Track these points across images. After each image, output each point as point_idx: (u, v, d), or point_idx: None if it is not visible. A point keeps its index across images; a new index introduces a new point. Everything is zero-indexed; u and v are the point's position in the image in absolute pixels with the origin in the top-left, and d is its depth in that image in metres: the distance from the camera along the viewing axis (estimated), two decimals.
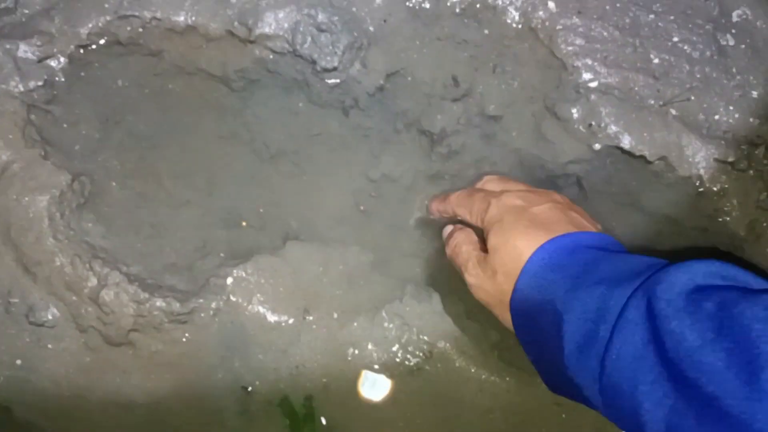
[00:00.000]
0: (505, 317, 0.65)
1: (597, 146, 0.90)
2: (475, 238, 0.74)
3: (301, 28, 0.88)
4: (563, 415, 0.77)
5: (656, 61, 0.94)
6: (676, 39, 0.95)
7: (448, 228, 0.80)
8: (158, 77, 0.93)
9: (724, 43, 0.95)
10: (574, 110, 0.90)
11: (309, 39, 0.88)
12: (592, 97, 0.90)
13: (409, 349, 0.79)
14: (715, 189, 0.88)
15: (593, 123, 0.90)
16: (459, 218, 0.78)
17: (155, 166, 0.91)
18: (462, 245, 0.72)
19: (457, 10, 0.94)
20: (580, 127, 0.90)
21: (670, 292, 0.48)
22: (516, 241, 0.63)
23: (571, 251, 0.60)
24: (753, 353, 0.39)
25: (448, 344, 0.79)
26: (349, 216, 0.90)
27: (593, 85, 0.91)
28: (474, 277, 0.68)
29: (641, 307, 0.49)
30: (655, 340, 0.47)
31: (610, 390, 0.51)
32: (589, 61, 0.92)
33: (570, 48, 0.93)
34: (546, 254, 0.60)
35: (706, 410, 0.41)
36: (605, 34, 0.94)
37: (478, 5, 0.93)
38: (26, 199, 0.76)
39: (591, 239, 0.62)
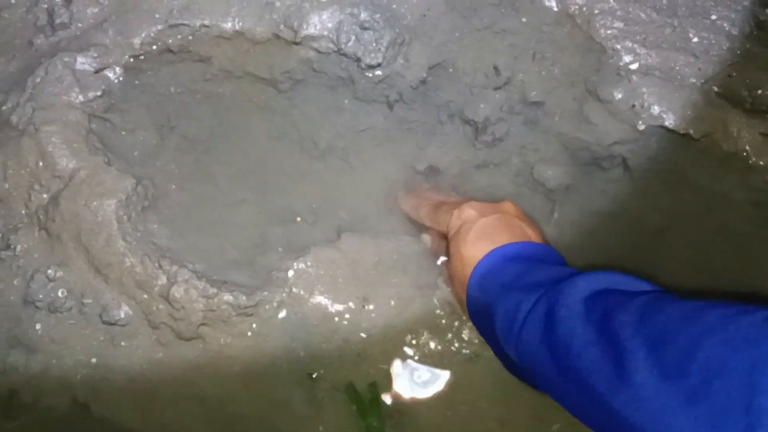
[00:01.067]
0: (464, 312, 0.78)
1: (641, 126, 0.91)
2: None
3: (345, 28, 0.91)
4: None
5: (695, 39, 0.95)
6: (714, 17, 0.96)
7: (427, 235, 0.89)
8: (208, 82, 0.97)
9: (764, 18, 0.95)
10: (616, 92, 0.91)
11: (353, 37, 0.91)
12: (634, 78, 0.92)
13: (463, 336, 0.81)
14: (762, 163, 0.88)
15: (636, 104, 0.91)
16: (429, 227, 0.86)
17: (210, 168, 0.94)
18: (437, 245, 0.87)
19: (495, 1, 0.96)
20: (623, 109, 0.91)
21: (569, 299, 0.57)
22: (464, 251, 0.73)
23: (507, 261, 0.70)
24: (619, 349, 0.49)
25: None
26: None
27: (634, 66, 0.93)
28: (445, 279, 0.83)
29: (541, 312, 0.60)
30: (548, 339, 0.58)
31: (525, 372, 0.66)
32: (629, 44, 0.93)
33: (608, 31, 0.94)
34: (485, 265, 0.71)
35: (584, 392, 0.52)
36: (643, 15, 0.95)
37: None
38: (95, 204, 0.80)
39: (524, 249, 0.71)
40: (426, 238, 0.88)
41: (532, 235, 0.75)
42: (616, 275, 0.59)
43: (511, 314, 0.64)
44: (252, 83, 0.97)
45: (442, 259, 0.86)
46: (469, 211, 0.77)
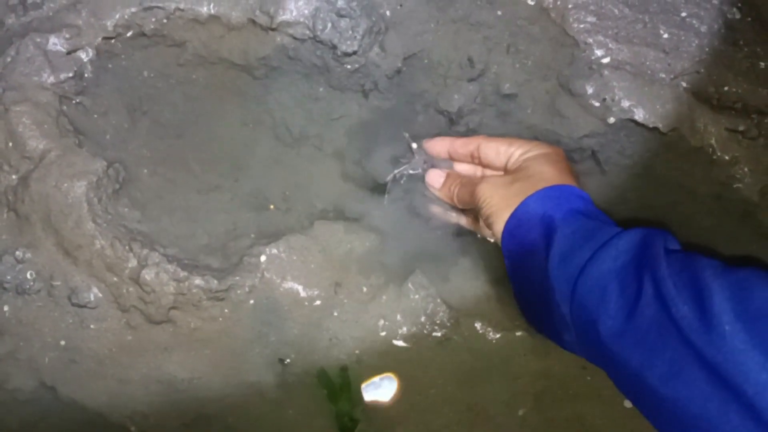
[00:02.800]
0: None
1: (611, 120, 0.92)
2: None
3: (321, 14, 0.91)
4: (588, 378, 0.80)
5: (666, 36, 0.96)
6: (684, 14, 0.98)
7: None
8: (182, 67, 0.96)
9: (731, 16, 0.98)
10: (587, 86, 0.93)
11: (329, 24, 0.91)
12: (605, 72, 0.93)
13: (436, 319, 0.81)
14: (726, 158, 0.90)
15: (607, 97, 0.92)
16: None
17: (183, 154, 0.94)
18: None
19: None
20: (594, 102, 0.93)
21: (658, 246, 0.57)
22: (500, 186, 0.74)
23: (575, 196, 0.70)
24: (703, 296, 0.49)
25: (473, 314, 0.81)
26: (372, 196, 0.93)
27: (606, 61, 0.94)
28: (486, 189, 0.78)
29: (633, 243, 0.59)
30: (637, 272, 0.56)
31: (579, 297, 0.61)
32: (601, 38, 0.95)
33: (582, 25, 0.96)
34: (556, 191, 0.70)
35: (667, 333, 0.52)
36: (615, 11, 0.97)
37: None
38: (65, 185, 0.79)
39: (563, 193, 0.71)
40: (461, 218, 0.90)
41: (572, 176, 0.77)
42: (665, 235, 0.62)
43: (582, 235, 0.63)
44: (226, 69, 0.97)
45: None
46: (508, 149, 0.82)
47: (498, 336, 0.81)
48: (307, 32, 0.92)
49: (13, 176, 0.82)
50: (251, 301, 0.81)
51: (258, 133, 0.97)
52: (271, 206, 0.92)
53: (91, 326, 0.79)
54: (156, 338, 0.79)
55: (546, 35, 0.98)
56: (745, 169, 0.89)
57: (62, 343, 0.79)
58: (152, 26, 0.92)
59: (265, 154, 0.97)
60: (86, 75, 0.90)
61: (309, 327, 0.81)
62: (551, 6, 0.97)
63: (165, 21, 0.92)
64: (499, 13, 0.98)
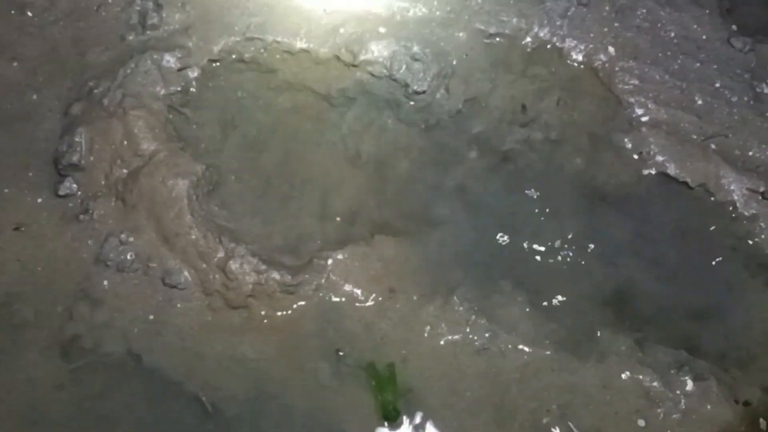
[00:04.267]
0: None
1: (646, 171, 1.04)
2: None
3: (399, 57, 1.05)
4: (608, 397, 0.90)
5: (700, 102, 1.09)
6: (718, 84, 1.10)
7: None
8: (271, 91, 1.10)
9: (760, 90, 1.10)
10: (627, 140, 1.05)
11: (404, 66, 1.05)
12: (643, 129, 1.05)
13: (476, 330, 0.92)
14: (746, 214, 1.01)
15: (643, 151, 1.04)
16: None
17: (265, 166, 1.07)
18: None
19: (529, 50, 1.10)
20: (633, 155, 1.05)
21: None
22: None
23: None
24: None
25: (510, 329, 0.92)
26: (427, 218, 1.05)
27: (645, 119, 1.06)
28: None
29: None
30: None
31: None
32: (642, 99, 1.07)
33: (626, 87, 1.08)
34: None
35: None
36: (657, 76, 1.09)
37: (548, 46, 1.09)
38: (170, 182, 0.92)
39: None
40: None
41: None
42: None
43: None
44: (309, 96, 1.11)
45: None
46: None
47: (530, 350, 0.91)
48: (384, 71, 1.05)
49: (124, 170, 0.95)
50: (316, 298, 0.92)
51: (330, 154, 1.10)
52: (338, 218, 1.04)
53: (178, 305, 0.91)
54: (232, 321, 0.91)
55: (592, 92, 1.10)
56: (762, 226, 1.00)
57: (151, 317, 0.91)
58: (251, 54, 1.07)
59: (335, 172, 1.09)
60: (191, 90, 1.04)
61: (363, 325, 0.92)
62: (600, 67, 1.10)
63: (262, 50, 1.07)
64: (553, 69, 1.11)
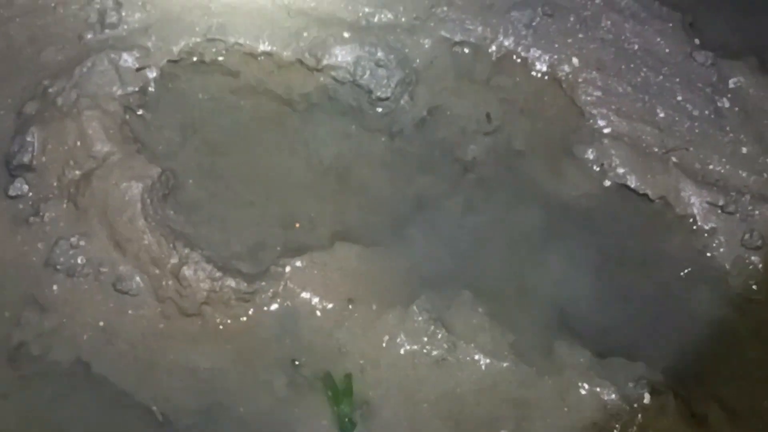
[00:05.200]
0: None
1: (607, 183, 1.04)
2: None
3: (362, 62, 1.04)
4: (565, 409, 0.90)
5: (662, 115, 1.09)
6: (679, 98, 1.11)
7: None
8: (233, 94, 1.08)
9: (720, 105, 1.11)
10: (588, 151, 1.05)
11: (368, 72, 1.04)
12: (605, 141, 1.06)
13: (434, 341, 0.91)
14: (705, 227, 1.02)
15: (605, 163, 1.05)
16: None
17: (225, 170, 1.05)
18: None
19: (494, 59, 1.10)
20: (594, 167, 1.05)
21: None
22: None
23: None
24: None
25: (469, 340, 0.91)
26: (389, 227, 1.04)
27: (607, 131, 1.07)
28: None
29: None
30: None
31: None
32: (604, 111, 1.08)
33: (588, 98, 1.09)
34: None
35: None
36: (620, 89, 1.10)
37: (513, 56, 1.09)
38: (123, 185, 0.90)
39: None
40: None
41: None
42: None
43: None
44: (271, 100, 1.09)
45: None
46: None
47: (488, 362, 0.90)
48: (348, 76, 1.04)
49: (77, 172, 0.92)
50: (273, 306, 0.91)
51: (292, 159, 1.09)
52: (297, 224, 1.03)
53: (130, 312, 0.88)
54: (186, 329, 0.89)
55: (556, 103, 1.11)
56: (721, 239, 1.01)
57: (101, 324, 0.88)
58: (212, 56, 1.05)
59: (296, 178, 1.08)
60: (150, 91, 1.02)
61: (321, 335, 0.91)
62: (563, 78, 1.10)
63: (224, 52, 1.05)
64: (517, 79, 1.11)
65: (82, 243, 0.89)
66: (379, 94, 1.01)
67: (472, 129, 1.08)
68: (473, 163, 1.07)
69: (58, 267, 0.89)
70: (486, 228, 1.07)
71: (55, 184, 0.92)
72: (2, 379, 0.89)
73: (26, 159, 0.91)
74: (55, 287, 0.89)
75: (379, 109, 1.04)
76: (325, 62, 1.01)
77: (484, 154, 1.07)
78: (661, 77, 1.12)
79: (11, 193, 0.92)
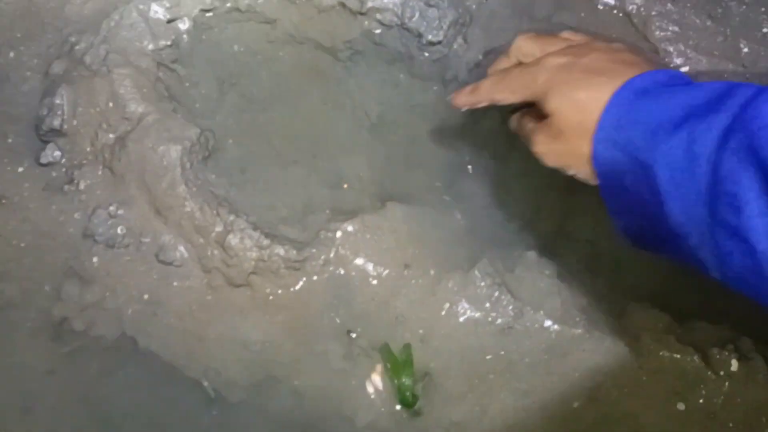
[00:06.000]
0: (581, 169, 0.63)
1: None
2: (532, 113, 0.70)
3: (411, 3, 0.94)
4: (644, 378, 0.83)
5: (746, 50, 0.97)
6: (765, 30, 0.99)
7: (513, 118, 0.77)
8: (271, 44, 1.00)
9: None
10: None
11: (417, 13, 0.94)
12: None
13: (499, 308, 0.84)
14: None
15: None
16: (498, 104, 0.73)
17: (266, 128, 0.98)
18: (524, 120, 0.71)
19: None
20: None
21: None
22: (576, 94, 0.60)
23: (640, 98, 0.56)
24: None
25: (536, 306, 0.84)
26: (445, 185, 0.96)
27: (685, 69, 0.96)
28: (541, 144, 0.66)
29: (741, 144, 0.46)
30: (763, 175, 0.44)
31: (722, 230, 0.48)
32: (681, 47, 0.96)
33: (663, 33, 0.97)
34: (614, 111, 0.57)
35: None
36: (698, 21, 0.98)
37: None
38: (161, 148, 0.83)
39: (651, 79, 0.58)
40: (513, 122, 0.78)
41: (644, 62, 0.63)
42: None
43: (686, 153, 0.49)
44: (312, 49, 1.01)
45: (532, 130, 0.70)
46: (556, 60, 0.64)
47: (558, 329, 0.83)
48: (395, 19, 0.94)
49: (111, 135, 0.86)
50: (325, 274, 0.85)
51: (337, 113, 1.01)
52: (345, 185, 0.96)
53: (175, 283, 0.83)
54: (234, 300, 0.83)
55: (626, 40, 0.99)
56: None
57: (146, 297, 0.84)
58: (247, 2, 0.96)
59: (342, 134, 1.00)
60: (182, 44, 0.94)
61: (377, 303, 0.85)
62: (634, 12, 0.99)
63: None
64: (582, 14, 1.00)
65: (120, 212, 0.84)
66: (430, 37, 0.92)
67: None
68: None
69: (97, 238, 0.84)
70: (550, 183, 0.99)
71: (88, 149, 0.86)
72: (46, 355, 0.86)
73: (56, 123, 0.85)
74: (95, 259, 0.85)
75: (430, 55, 0.95)
76: (369, 4, 0.92)
77: None
78: (744, 7, 0.99)
79: (43, 160, 0.86)
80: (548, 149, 0.65)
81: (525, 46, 0.74)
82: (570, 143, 0.62)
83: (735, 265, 0.48)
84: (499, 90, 0.71)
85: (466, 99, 0.76)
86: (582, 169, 0.63)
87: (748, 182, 0.44)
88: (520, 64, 0.75)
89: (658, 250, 0.61)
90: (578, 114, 0.60)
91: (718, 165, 0.47)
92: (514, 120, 0.76)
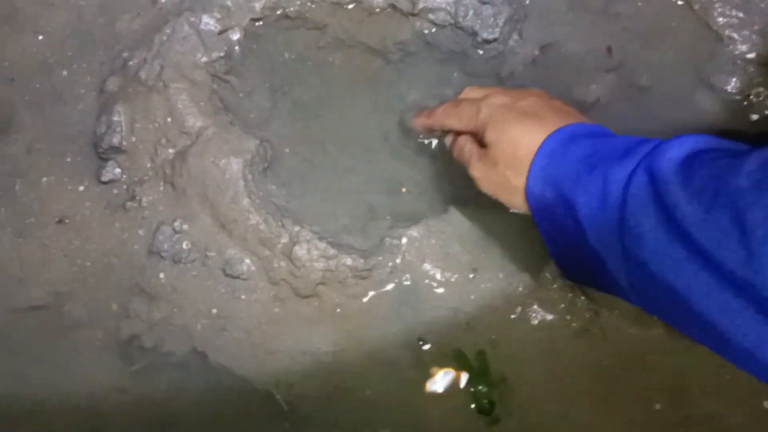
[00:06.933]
0: (512, 202, 0.72)
1: (754, 117, 0.91)
2: (474, 140, 0.77)
3: (464, 1, 0.92)
4: (727, 376, 0.80)
5: None
6: None
7: (449, 137, 0.83)
8: (321, 50, 0.99)
9: None
10: (731, 81, 0.91)
11: (471, 11, 0.92)
12: (751, 69, 0.91)
13: (574, 310, 0.82)
14: None
15: (752, 94, 0.91)
16: (448, 129, 0.82)
17: (319, 135, 0.96)
18: (464, 145, 0.77)
19: None
20: (737, 98, 0.91)
21: (666, 167, 0.52)
22: (512, 131, 0.68)
23: (568, 143, 0.64)
24: (743, 224, 0.44)
25: (612, 307, 0.82)
26: None
27: (750, 56, 0.92)
28: (477, 170, 0.73)
29: (642, 184, 0.53)
30: (663, 212, 0.51)
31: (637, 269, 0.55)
32: (746, 33, 0.93)
33: (726, 20, 0.94)
34: (544, 154, 0.65)
35: (716, 275, 0.46)
36: (762, 5, 0.94)
37: None
38: (222, 161, 0.82)
39: (582, 129, 0.66)
40: (448, 140, 0.85)
41: (576, 116, 0.70)
42: (710, 136, 0.55)
43: (600, 193, 0.57)
44: (362, 53, 0.99)
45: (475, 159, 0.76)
46: (499, 99, 0.72)
47: (635, 331, 0.81)
48: (449, 18, 0.93)
49: (170, 150, 0.86)
50: (392, 282, 0.83)
51: (389, 117, 0.99)
52: (404, 189, 0.94)
53: (242, 297, 0.82)
54: (302, 311, 0.82)
55: (686, 28, 0.96)
56: None
57: (214, 311, 0.83)
58: (297, 9, 0.95)
59: (395, 137, 0.99)
60: (234, 55, 0.93)
61: (446, 310, 0.83)
62: None
63: (309, 4, 0.95)
64: (639, 4, 0.97)
65: (185, 227, 0.83)
66: (485, 35, 0.90)
67: (590, 66, 0.95)
68: (596, 104, 0.94)
69: (163, 254, 0.83)
70: None
71: (148, 165, 0.86)
72: (116, 373, 0.86)
73: (116, 140, 0.84)
74: (161, 275, 0.84)
75: (485, 53, 0.93)
76: (421, 5, 0.90)
77: (608, 93, 0.94)
78: None
79: (104, 178, 0.86)
80: (484, 175, 0.73)
81: (473, 92, 0.81)
82: (504, 175, 0.70)
83: (642, 292, 0.57)
84: (450, 117, 0.80)
85: (423, 121, 0.86)
86: (513, 200, 0.71)
87: (647, 220, 0.52)
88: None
89: (586, 282, 0.72)
90: (512, 149, 0.68)
91: (624, 203, 0.55)
92: (449, 139, 0.83)
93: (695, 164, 0.51)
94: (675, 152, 0.53)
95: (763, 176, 0.44)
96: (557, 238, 0.68)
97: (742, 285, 0.44)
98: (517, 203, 0.71)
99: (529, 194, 0.67)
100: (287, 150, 0.93)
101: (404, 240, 0.84)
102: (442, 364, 0.83)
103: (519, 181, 0.68)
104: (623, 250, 0.55)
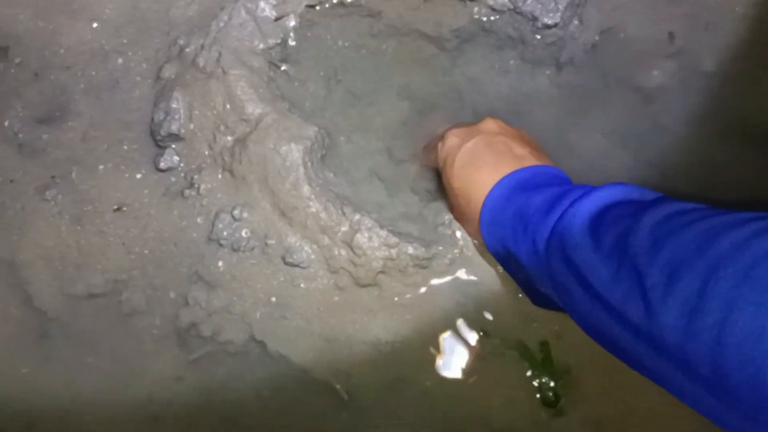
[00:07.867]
0: (474, 235, 0.82)
1: None
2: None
3: None
4: None
5: None
6: None
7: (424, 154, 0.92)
8: (374, 38, 0.97)
9: None
10: None
11: None
12: None
13: None
14: None
15: None
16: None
17: (373, 123, 0.95)
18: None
19: None
20: None
21: (578, 228, 0.57)
22: (453, 184, 0.76)
23: (505, 200, 0.70)
24: (642, 284, 0.48)
25: None
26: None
27: None
28: (452, 213, 0.83)
29: (556, 249, 0.60)
30: (575, 274, 0.57)
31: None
32: None
33: None
34: (488, 209, 0.71)
35: (628, 328, 0.51)
36: None
37: None
38: (283, 148, 0.82)
39: (515, 182, 0.70)
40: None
41: (519, 150, 0.74)
42: (621, 187, 0.60)
43: (533, 250, 0.64)
44: (416, 40, 0.98)
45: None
46: (451, 140, 0.78)
47: None
48: (508, 3, 0.91)
49: (229, 137, 0.85)
50: (452, 271, 0.82)
51: (445, 105, 0.98)
52: None
53: (302, 285, 0.82)
54: (362, 300, 0.81)
55: (750, 13, 0.94)
56: None
57: (273, 299, 0.82)
58: None
59: (448, 125, 0.97)
60: (290, 42, 0.92)
61: (507, 300, 0.82)
62: None
63: None
64: None
65: (244, 215, 0.82)
66: (546, 20, 0.88)
67: (650, 51, 0.93)
68: (658, 91, 0.92)
69: (222, 242, 0.83)
70: (674, 165, 0.94)
71: (206, 152, 0.85)
72: (174, 362, 0.85)
73: (174, 127, 0.84)
74: (220, 263, 0.84)
75: (543, 38, 0.91)
76: None
77: (669, 79, 0.92)
78: None
79: (162, 165, 0.86)
80: (451, 205, 0.83)
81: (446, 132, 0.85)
82: (464, 221, 0.80)
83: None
84: (426, 157, 0.89)
85: (426, 163, 0.92)
86: (476, 236, 0.80)
87: (566, 277, 0.58)
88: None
89: (549, 308, 0.79)
90: (463, 201, 0.76)
91: (549, 260, 0.61)
92: (425, 155, 0.91)
93: (605, 222, 0.56)
94: (586, 210, 0.58)
95: (659, 236, 0.49)
96: (517, 276, 0.77)
97: (646, 336, 0.49)
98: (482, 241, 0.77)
99: (488, 247, 0.75)
100: (342, 138, 0.92)
101: (458, 233, 0.83)
102: (505, 354, 0.81)
103: (475, 228, 0.75)
104: (559, 298, 0.63)
